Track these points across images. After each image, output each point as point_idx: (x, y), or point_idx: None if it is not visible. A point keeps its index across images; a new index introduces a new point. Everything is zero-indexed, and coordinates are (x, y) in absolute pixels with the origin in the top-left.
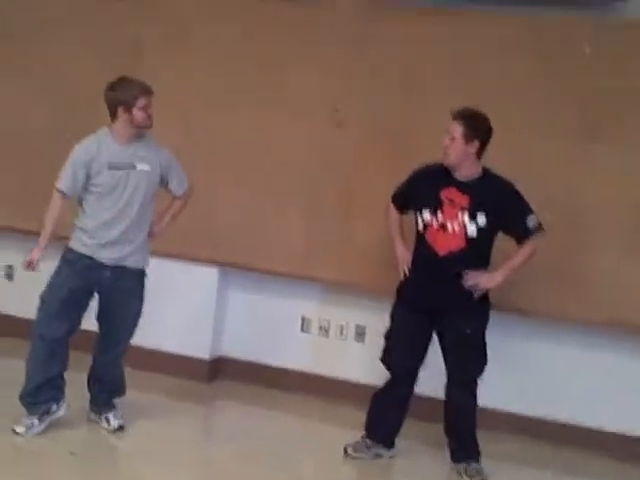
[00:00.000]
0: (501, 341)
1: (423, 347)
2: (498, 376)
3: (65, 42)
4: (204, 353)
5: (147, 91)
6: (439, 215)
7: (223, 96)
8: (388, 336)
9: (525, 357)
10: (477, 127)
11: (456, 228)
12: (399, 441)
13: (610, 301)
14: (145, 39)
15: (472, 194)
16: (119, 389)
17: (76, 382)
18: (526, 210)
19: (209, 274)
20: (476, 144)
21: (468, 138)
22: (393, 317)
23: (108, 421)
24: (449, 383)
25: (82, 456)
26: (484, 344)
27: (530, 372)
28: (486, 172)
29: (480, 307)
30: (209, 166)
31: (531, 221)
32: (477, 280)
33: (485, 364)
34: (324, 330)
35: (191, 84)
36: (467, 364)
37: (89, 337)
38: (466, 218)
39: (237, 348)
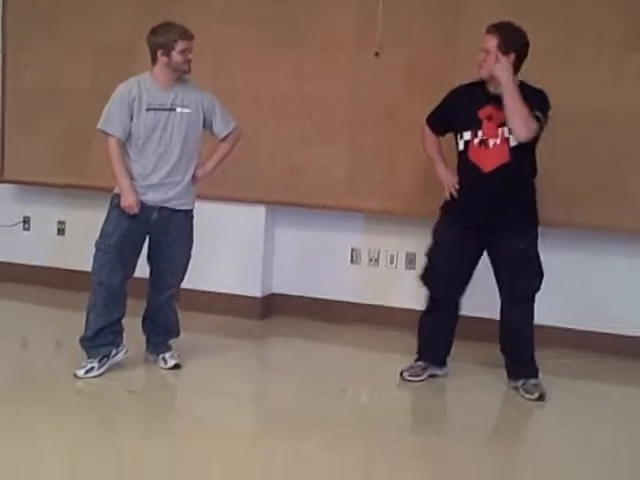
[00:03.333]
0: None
1: (469, 266)
2: (549, 292)
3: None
4: (256, 291)
5: (187, 36)
6: (479, 134)
7: (260, 36)
8: (430, 253)
9: (574, 271)
10: (513, 39)
11: (498, 143)
12: (453, 363)
13: None
14: None
15: None
16: (173, 330)
17: (133, 326)
18: (538, 108)
19: (256, 213)
20: (512, 57)
21: (503, 50)
22: (436, 232)
23: (165, 361)
24: (505, 301)
25: (141, 394)
26: (538, 257)
27: (580, 286)
28: (522, 84)
29: (531, 221)
30: (249, 107)
31: (537, 112)
32: None
33: (542, 277)
34: (374, 260)
35: (227, 27)
36: (524, 278)
37: (144, 283)
38: (506, 131)
39: (288, 284)
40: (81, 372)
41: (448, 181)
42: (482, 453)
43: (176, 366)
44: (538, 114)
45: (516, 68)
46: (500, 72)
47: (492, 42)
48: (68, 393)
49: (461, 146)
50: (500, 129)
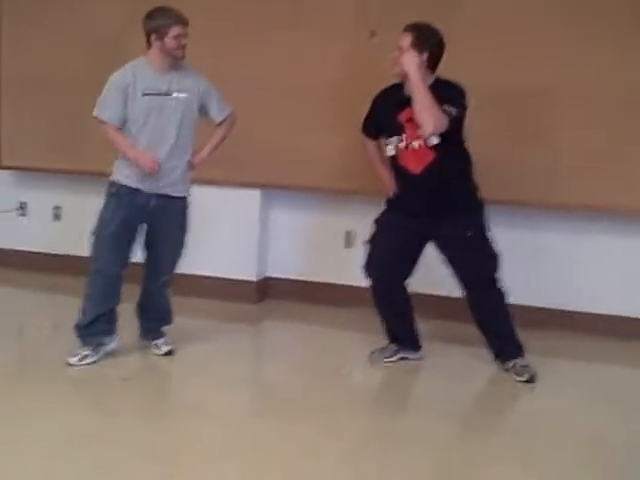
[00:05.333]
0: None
1: (411, 256)
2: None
3: None
4: (251, 275)
5: (181, 21)
6: (404, 138)
7: (253, 20)
8: (371, 241)
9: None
10: (427, 38)
11: (420, 144)
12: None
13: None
14: None
15: None
16: (166, 317)
17: (126, 312)
18: (450, 102)
19: (251, 197)
20: (425, 55)
21: (417, 48)
22: (378, 222)
23: (158, 347)
24: (468, 291)
25: (135, 381)
26: (488, 240)
27: (552, 264)
28: (438, 81)
29: (472, 208)
30: (244, 90)
31: (447, 107)
32: None
33: (497, 258)
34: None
35: (223, 10)
36: (481, 265)
37: (139, 269)
38: None
39: (283, 267)
40: (74, 360)
41: (391, 186)
42: (471, 435)
43: (169, 352)
44: (449, 108)
45: (432, 67)
46: (407, 65)
47: (406, 40)
48: (63, 380)
49: (391, 152)
50: (419, 130)
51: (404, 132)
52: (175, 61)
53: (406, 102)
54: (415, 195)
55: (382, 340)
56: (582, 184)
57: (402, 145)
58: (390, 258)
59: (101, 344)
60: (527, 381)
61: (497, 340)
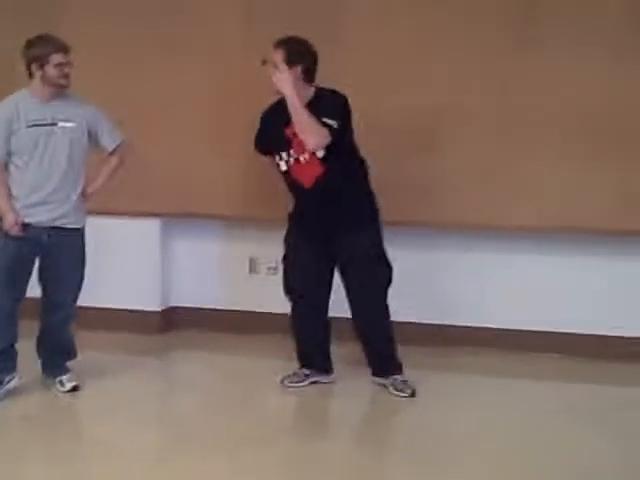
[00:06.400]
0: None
1: (322, 273)
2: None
3: None
4: (155, 305)
5: (62, 48)
6: (292, 152)
7: (148, 47)
8: (283, 262)
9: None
10: (298, 52)
11: (307, 157)
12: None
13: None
14: None
15: None
16: (69, 352)
17: (27, 349)
18: (330, 114)
19: (151, 226)
20: (298, 69)
21: (290, 63)
22: (287, 241)
23: (62, 384)
24: (357, 300)
25: (39, 420)
26: (384, 251)
27: (436, 281)
28: (318, 91)
29: (369, 218)
30: (138, 117)
31: (327, 120)
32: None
33: (391, 270)
34: (272, 269)
35: (118, 36)
36: (375, 274)
37: (36, 304)
38: None
39: (187, 296)
40: None
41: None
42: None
43: (74, 388)
44: (329, 121)
45: (309, 79)
46: (281, 86)
47: (278, 56)
48: None
49: (283, 167)
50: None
51: (291, 147)
52: (59, 90)
53: (290, 116)
54: (309, 209)
55: (292, 366)
56: (466, 201)
57: (292, 160)
58: (304, 278)
59: (0, 383)
60: (409, 396)
61: (377, 353)
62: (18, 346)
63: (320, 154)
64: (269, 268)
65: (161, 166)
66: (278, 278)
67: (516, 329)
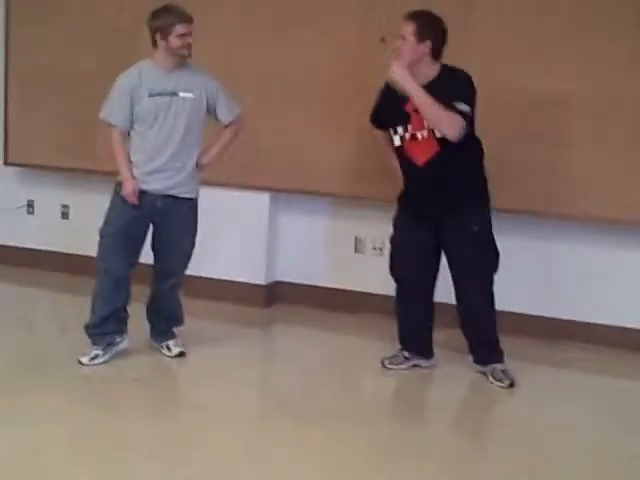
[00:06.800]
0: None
1: (428, 255)
2: (510, 278)
3: None
4: (260, 278)
5: (185, 19)
6: (409, 128)
7: (264, 19)
8: (391, 242)
9: (539, 258)
10: (429, 26)
11: (425, 135)
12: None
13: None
14: None
15: (432, 96)
16: (177, 319)
17: (137, 313)
18: (460, 97)
19: (260, 200)
20: (428, 44)
21: (420, 37)
22: (395, 223)
23: (169, 348)
24: (462, 285)
25: (145, 382)
26: (493, 237)
27: (544, 273)
28: (444, 69)
29: (480, 202)
30: (254, 92)
31: (460, 106)
32: None
33: (498, 257)
34: (378, 249)
35: (232, 10)
36: (481, 260)
37: (149, 270)
38: None
39: (292, 272)
40: (86, 359)
41: (400, 176)
42: (485, 447)
43: (180, 354)
44: (460, 107)
45: (436, 55)
46: (397, 80)
47: (409, 29)
48: (73, 379)
49: (397, 142)
50: (426, 121)
51: (410, 122)
52: (181, 60)
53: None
54: (420, 188)
55: (393, 347)
56: (590, 195)
57: (408, 135)
58: (409, 261)
59: (111, 344)
60: (508, 387)
61: (479, 341)
62: (131, 309)
63: (439, 133)
64: (374, 248)
65: (273, 141)
66: (383, 258)
67: (630, 327)
